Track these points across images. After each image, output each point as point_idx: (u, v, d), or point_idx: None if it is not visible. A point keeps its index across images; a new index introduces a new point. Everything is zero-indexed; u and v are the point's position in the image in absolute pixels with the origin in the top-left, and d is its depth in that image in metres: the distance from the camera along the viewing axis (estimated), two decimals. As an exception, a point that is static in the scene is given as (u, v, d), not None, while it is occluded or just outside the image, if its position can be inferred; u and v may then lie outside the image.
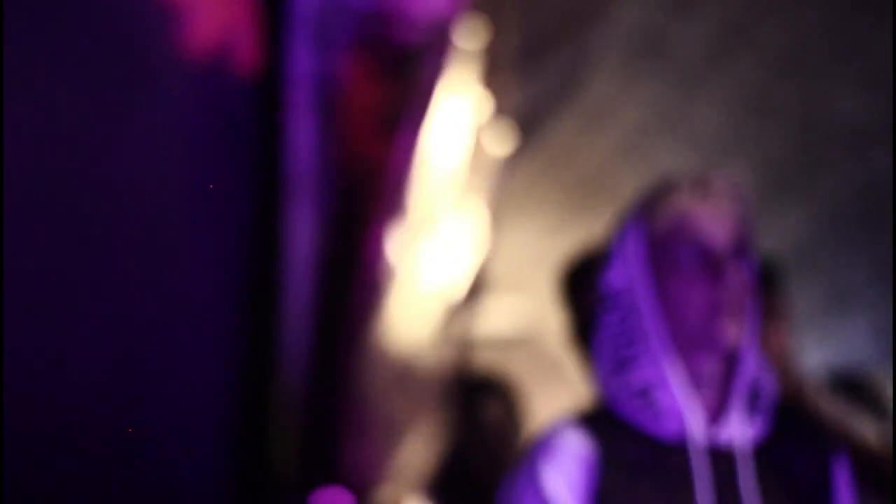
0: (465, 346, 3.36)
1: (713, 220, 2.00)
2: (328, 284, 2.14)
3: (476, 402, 3.32)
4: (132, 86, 1.63)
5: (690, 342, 1.98)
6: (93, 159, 1.56)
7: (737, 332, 1.97)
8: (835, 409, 2.44)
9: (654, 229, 2.02)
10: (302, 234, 2.01)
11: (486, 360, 4.71)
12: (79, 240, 1.56)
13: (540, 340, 6.92)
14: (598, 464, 1.95)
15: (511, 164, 3.56)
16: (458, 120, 2.47)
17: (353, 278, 2.20)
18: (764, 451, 2.00)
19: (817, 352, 4.87)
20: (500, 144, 3.18)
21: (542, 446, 2.00)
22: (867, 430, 2.67)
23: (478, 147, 2.79)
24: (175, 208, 1.75)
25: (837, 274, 4.82)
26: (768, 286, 2.67)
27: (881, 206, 4.71)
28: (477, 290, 3.40)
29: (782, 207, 4.43)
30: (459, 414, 3.04)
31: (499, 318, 6.59)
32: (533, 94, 3.91)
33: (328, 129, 1.99)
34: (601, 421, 2.02)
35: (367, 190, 2.16)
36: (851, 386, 3.02)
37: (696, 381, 1.99)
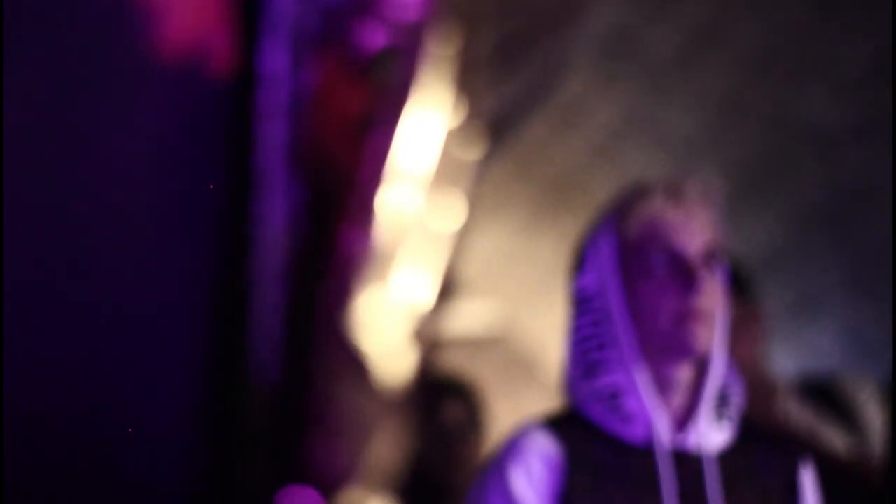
0: (435, 346, 3.36)
1: (685, 226, 2.01)
2: (298, 284, 2.14)
3: (439, 403, 3.33)
4: (103, 86, 1.63)
5: (660, 348, 1.99)
6: (63, 160, 1.56)
7: (707, 338, 1.98)
8: (803, 415, 2.46)
9: (626, 234, 2.04)
10: (273, 234, 2.01)
11: (456, 360, 4.72)
12: (46, 240, 1.55)
13: (511, 341, 6.94)
14: (564, 465, 1.97)
15: (483, 166, 3.56)
16: (431, 121, 2.47)
17: (324, 278, 2.19)
18: (731, 456, 2.01)
19: (787, 356, 4.90)
20: (473, 145, 3.18)
21: (510, 447, 2.02)
22: (835, 436, 2.70)
23: (450, 148, 2.79)
24: (146, 208, 1.75)
25: (807, 277, 4.85)
26: (739, 291, 2.69)
27: (851, 208, 4.75)
28: (448, 290, 3.40)
29: (752, 210, 4.46)
30: (423, 415, 3.04)
31: (470, 318, 6.61)
32: (506, 96, 3.93)
33: (301, 129, 1.99)
34: (570, 423, 2.03)
35: (338, 191, 2.15)
36: (821, 391, 3.04)
37: (664, 386, 2.01)
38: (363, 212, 2.09)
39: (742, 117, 4.44)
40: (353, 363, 2.27)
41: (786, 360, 4.70)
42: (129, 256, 1.73)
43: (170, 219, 1.80)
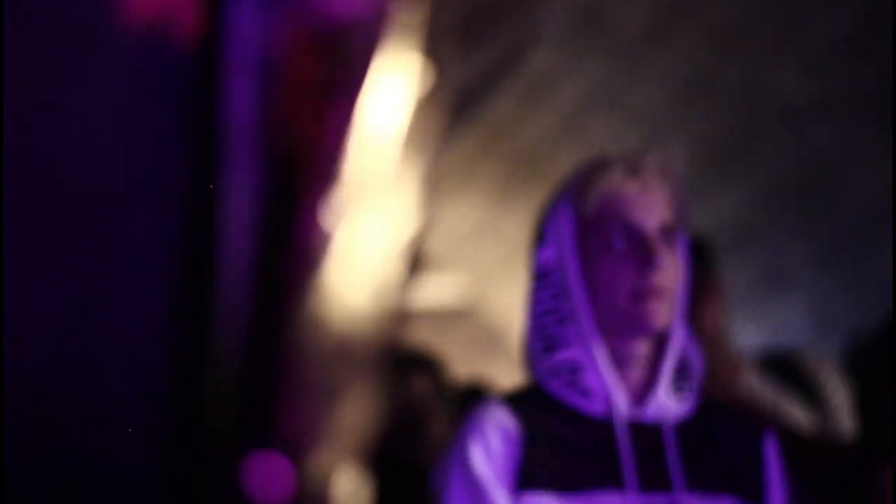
0: (403, 319, 3.38)
1: (643, 201, 2.02)
2: (265, 253, 2.16)
3: (407, 375, 3.34)
4: (66, 54, 1.63)
5: (618, 324, 2.00)
6: (23, 132, 1.56)
7: (664, 315, 1.99)
8: (765, 390, 2.49)
9: (585, 209, 2.04)
10: (239, 202, 2.02)
11: (423, 333, 4.74)
12: (4, 218, 1.55)
13: (479, 315, 6.97)
14: (522, 438, 1.98)
15: (451, 139, 3.56)
16: (397, 92, 2.48)
17: (291, 247, 2.22)
18: (691, 427, 2.03)
19: (754, 331, 4.94)
20: (440, 118, 3.19)
21: (470, 423, 2.03)
22: (797, 411, 2.73)
23: (417, 120, 2.80)
24: (110, 178, 1.75)
25: (773, 253, 4.89)
26: (702, 264, 2.71)
27: (820, 184, 4.79)
28: (416, 262, 3.41)
29: (721, 185, 4.50)
30: (390, 387, 3.07)
31: (438, 290, 6.63)
32: (474, 68, 3.93)
33: (267, 97, 2.00)
34: (530, 398, 2.05)
35: (304, 160, 2.18)
36: (784, 366, 3.08)
37: (622, 361, 2.02)
38: (330, 180, 2.12)
39: (711, 93, 4.47)
40: (322, 330, 2.31)
41: (752, 335, 4.75)
42: (88, 228, 1.73)
43: (131, 188, 1.81)
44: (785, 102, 4.42)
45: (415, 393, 3.34)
